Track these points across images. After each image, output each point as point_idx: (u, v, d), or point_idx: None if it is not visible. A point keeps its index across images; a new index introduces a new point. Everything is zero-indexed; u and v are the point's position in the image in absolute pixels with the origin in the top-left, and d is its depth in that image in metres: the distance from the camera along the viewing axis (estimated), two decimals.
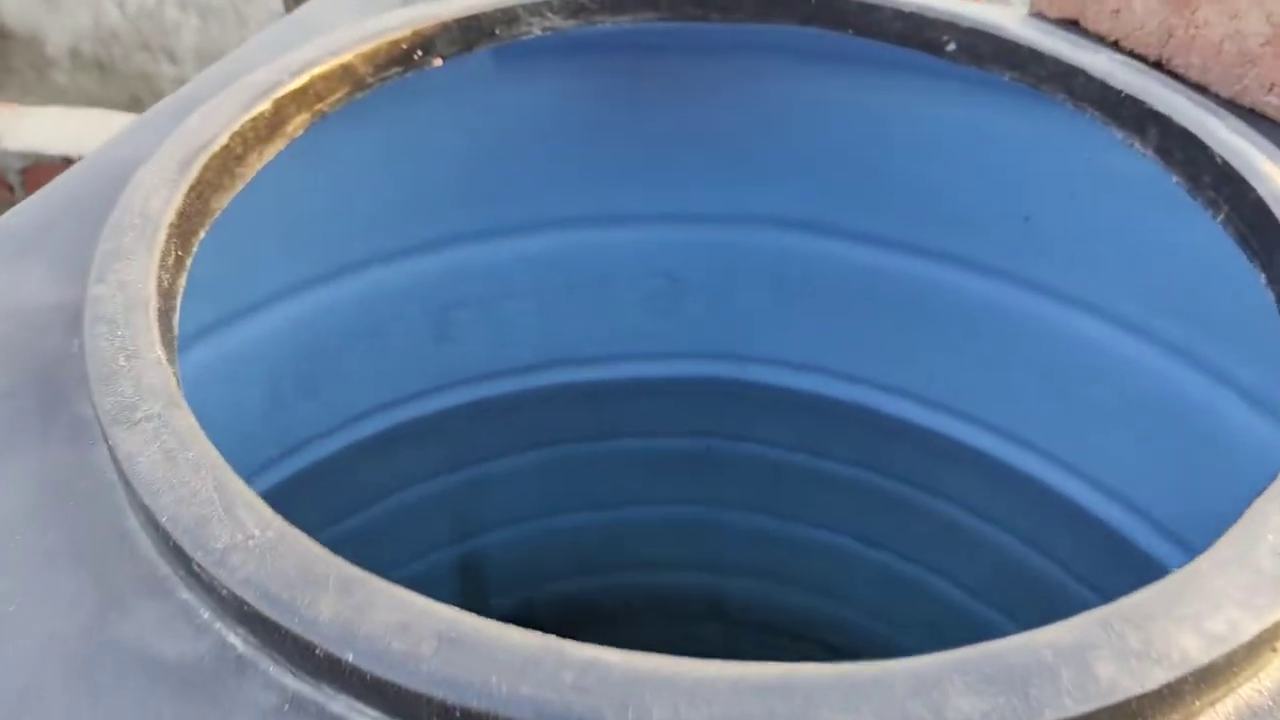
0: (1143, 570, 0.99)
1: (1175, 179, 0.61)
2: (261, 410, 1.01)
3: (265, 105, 0.58)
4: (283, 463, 1.06)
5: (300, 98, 0.59)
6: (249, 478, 1.02)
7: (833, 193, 1.03)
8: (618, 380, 1.19)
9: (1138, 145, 0.64)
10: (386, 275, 1.04)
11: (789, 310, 1.13)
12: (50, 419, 0.42)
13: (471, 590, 1.28)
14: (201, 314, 0.92)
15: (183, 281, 0.49)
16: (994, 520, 1.16)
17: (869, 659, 1.16)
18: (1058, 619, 1.13)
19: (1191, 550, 0.97)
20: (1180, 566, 0.95)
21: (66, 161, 2.06)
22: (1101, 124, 0.65)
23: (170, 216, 0.49)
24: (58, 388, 0.44)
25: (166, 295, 0.46)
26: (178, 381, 0.42)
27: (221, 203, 0.54)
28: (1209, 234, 0.69)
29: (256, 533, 0.34)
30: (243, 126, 0.56)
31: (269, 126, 0.58)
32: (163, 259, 0.47)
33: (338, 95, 0.62)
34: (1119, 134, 0.65)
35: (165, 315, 0.44)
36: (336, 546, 1.12)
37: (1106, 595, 1.06)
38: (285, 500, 1.05)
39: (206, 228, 0.53)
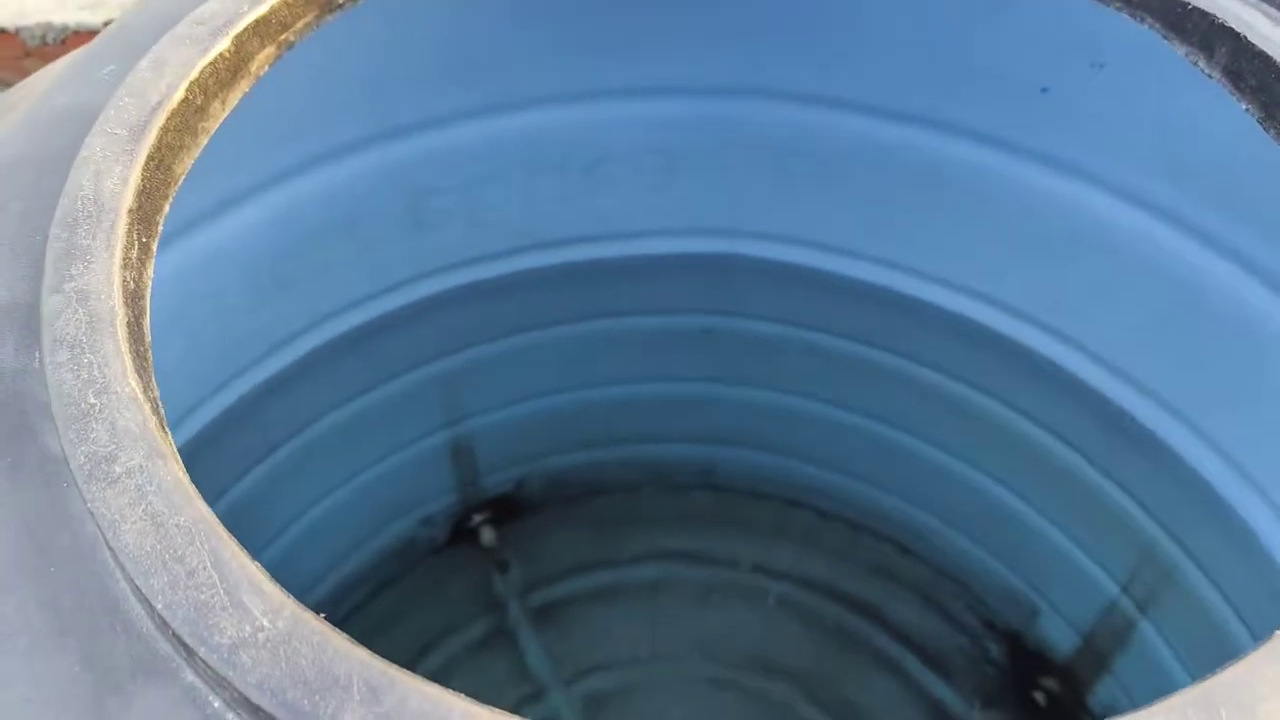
0: (1143, 444, 1.00)
1: (1245, 107, 0.56)
2: (243, 308, 0.98)
3: (225, 44, 0.50)
4: (269, 359, 1.03)
5: (264, 30, 0.52)
6: (237, 376, 1.00)
7: (833, 62, 0.96)
8: (608, 260, 1.15)
9: (1202, 65, 0.58)
10: (361, 163, 0.97)
11: (786, 184, 1.09)
12: (15, 456, 0.38)
13: (464, 471, 1.28)
14: (174, 213, 0.87)
15: (151, 272, 0.44)
16: (992, 392, 1.16)
17: (861, 525, 1.18)
18: (1052, 489, 1.15)
19: (1195, 428, 0.97)
20: (1185, 452, 0.95)
21: None
22: (1161, 36, 0.59)
23: (128, 200, 0.43)
24: (20, 415, 0.39)
25: (134, 299, 0.41)
26: (161, 418, 0.38)
27: (185, 165, 0.48)
28: (1244, 119, 0.64)
29: (266, 623, 0.31)
30: (201, 74, 0.49)
31: (231, 69, 0.51)
32: (125, 255, 0.41)
33: (306, 20, 0.54)
34: (1181, 50, 0.58)
35: (135, 328, 0.39)
36: (328, 438, 1.11)
37: (1102, 464, 1.07)
38: (275, 396, 1.02)
39: (171, 198, 0.47)
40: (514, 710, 1.18)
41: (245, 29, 0.51)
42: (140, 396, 0.36)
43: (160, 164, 0.45)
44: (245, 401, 1.01)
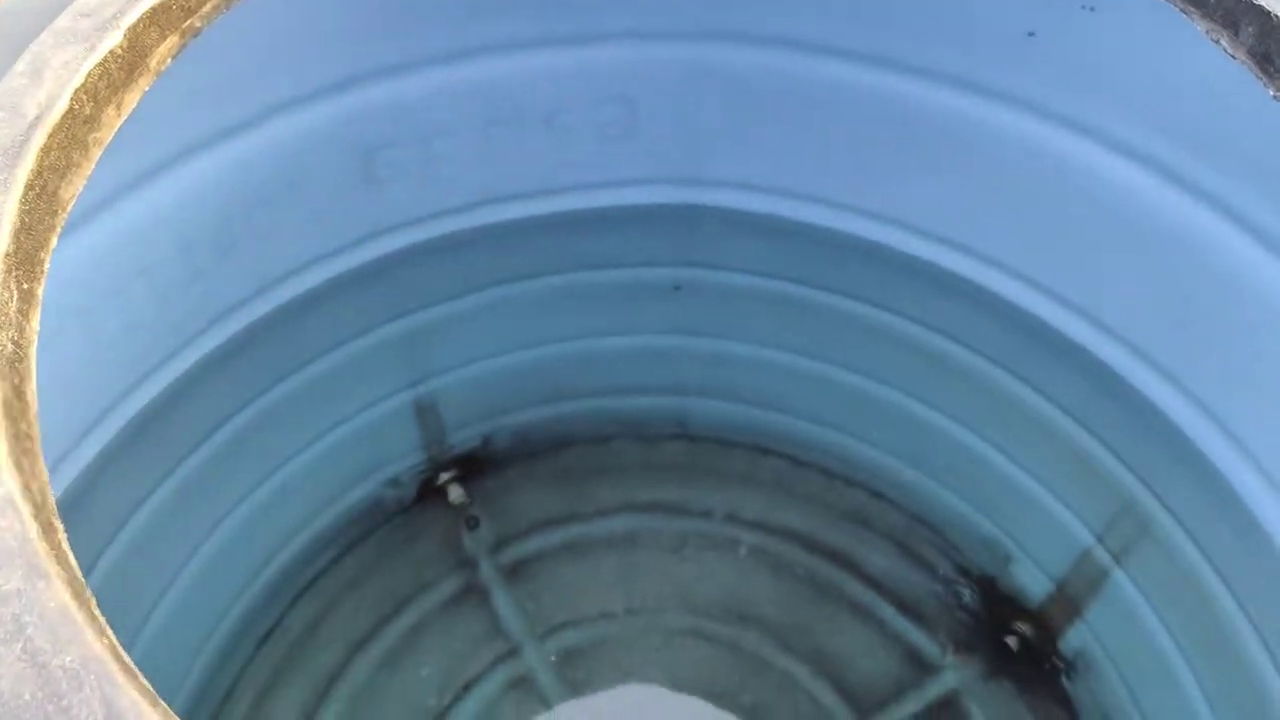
0: (1123, 397, 0.98)
1: (1273, 94, 0.51)
2: (179, 280, 0.92)
3: (116, 39, 0.44)
4: (213, 331, 0.98)
5: (163, 18, 0.45)
6: (177, 352, 0.95)
7: (802, 4, 0.90)
8: (570, 213, 1.09)
9: (1225, 44, 0.52)
10: (305, 119, 0.91)
11: (753, 132, 1.03)
12: None
13: (429, 430, 1.24)
14: (100, 181, 0.81)
15: (35, 324, 0.39)
16: (968, 343, 1.14)
17: (833, 473, 1.15)
18: (1028, 439, 1.13)
19: (1176, 383, 0.95)
20: (1166, 406, 0.93)
21: None
22: (1179, 11, 0.53)
23: (3, 243, 0.37)
24: None
25: (13, 366, 0.35)
26: (49, 510, 0.33)
27: (75, 188, 0.42)
28: (1239, 70, 0.60)
29: None
30: (89, 78, 0.42)
31: (125, 67, 0.44)
32: (2, 308, 0.36)
33: (214, 2, 0.47)
34: (1201, 26, 0.53)
35: (14, 403, 0.34)
36: (285, 404, 1.06)
37: (1080, 416, 1.05)
38: (225, 367, 0.98)
39: (59, 228, 0.41)
40: (489, 668, 1.16)
41: (140, 19, 0.44)
42: (18, 496, 0.32)
43: (43, 192, 0.39)
44: (192, 375, 0.96)
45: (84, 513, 0.87)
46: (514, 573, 1.28)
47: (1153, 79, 0.80)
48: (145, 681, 0.28)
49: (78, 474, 0.84)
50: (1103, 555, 1.10)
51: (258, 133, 0.89)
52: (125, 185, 0.82)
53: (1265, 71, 0.51)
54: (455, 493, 1.30)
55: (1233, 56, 0.52)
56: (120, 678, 0.28)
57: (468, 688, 1.18)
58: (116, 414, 0.90)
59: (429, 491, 1.30)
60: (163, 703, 0.27)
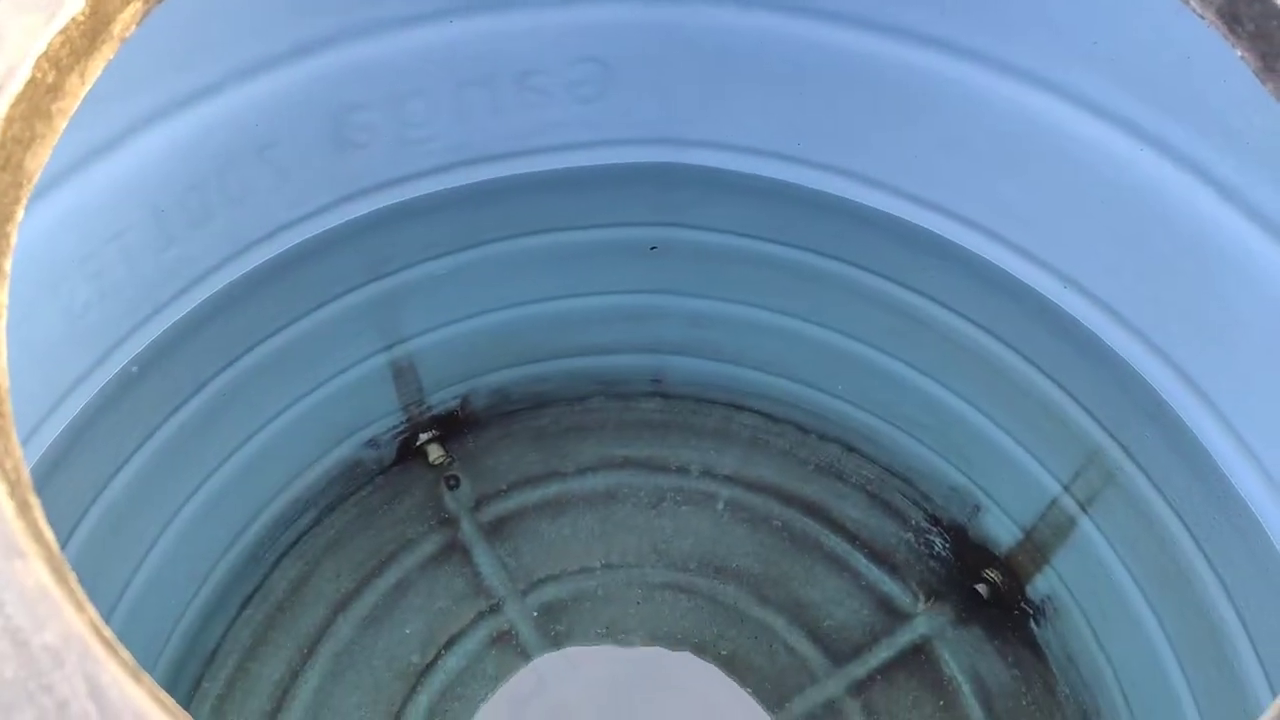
0: (1090, 350, 1.00)
1: (1240, 54, 0.51)
2: (151, 246, 0.92)
3: (78, 5, 0.43)
4: (187, 297, 0.98)
5: None
6: (151, 318, 0.95)
7: None
8: (546, 174, 1.09)
9: (1193, 4, 0.52)
10: (273, 82, 0.90)
11: (728, 91, 1.03)
12: None
13: (407, 391, 1.25)
14: (67, 147, 0.80)
15: (4, 297, 0.39)
16: (938, 299, 1.15)
17: (807, 428, 1.17)
18: (997, 392, 1.15)
19: (1143, 337, 0.97)
20: (1133, 359, 0.95)
21: None
22: None
23: None
24: None
25: None
26: (24, 487, 0.33)
27: (40, 160, 0.42)
28: (1209, 29, 0.60)
29: None
30: (51, 45, 0.42)
31: (88, 34, 0.44)
32: None
33: None
34: None
35: None
36: (260, 369, 1.07)
37: (1048, 369, 1.07)
38: (198, 333, 0.98)
39: (25, 201, 0.42)
40: (471, 624, 1.18)
41: None
42: None
43: (7, 164, 0.39)
44: (167, 341, 0.96)
45: (60, 481, 0.88)
46: (494, 530, 1.29)
47: (1121, 36, 0.81)
48: (127, 654, 0.28)
49: (52, 442, 0.85)
50: (1069, 504, 1.12)
51: (226, 96, 0.88)
52: (92, 151, 0.81)
53: (1233, 32, 0.51)
54: (435, 453, 1.31)
55: (1201, 16, 0.53)
56: (102, 653, 0.29)
57: (450, 644, 1.20)
58: (91, 381, 0.90)
59: (408, 452, 1.31)
60: (146, 676, 0.28)
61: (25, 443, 0.80)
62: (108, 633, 0.28)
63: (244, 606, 1.19)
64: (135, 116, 0.82)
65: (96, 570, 0.96)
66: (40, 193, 0.79)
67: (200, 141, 0.88)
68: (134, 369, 0.95)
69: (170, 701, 0.28)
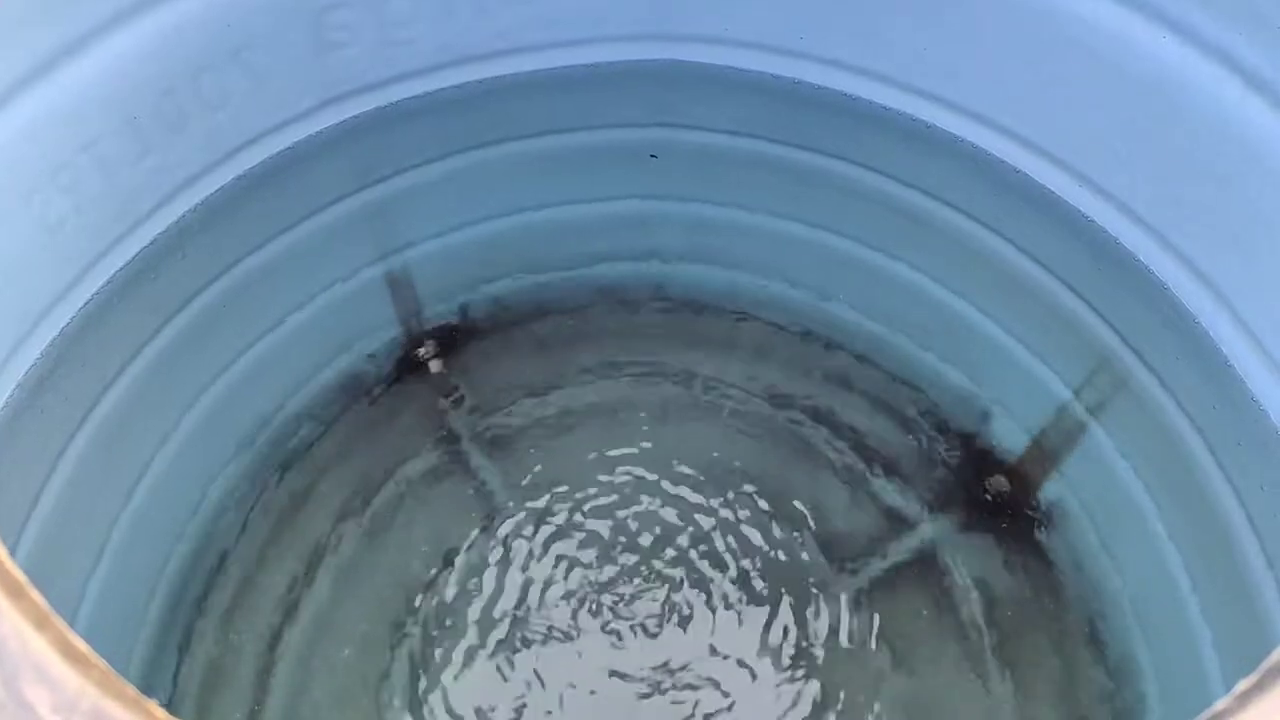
0: (1105, 251, 0.97)
1: None
2: (127, 156, 0.88)
3: None
4: (168, 208, 0.95)
5: None
6: (132, 231, 0.92)
7: None
8: (537, 73, 1.05)
9: None
10: None
11: None
12: None
13: (404, 303, 1.22)
14: (24, 53, 0.77)
15: None
16: (947, 199, 1.11)
17: (813, 335, 1.15)
18: (1007, 296, 1.13)
19: (1161, 238, 0.94)
20: (1149, 260, 0.92)
21: None
22: None
23: None
24: None
25: None
26: None
27: None
28: None
29: None
30: None
31: None
32: None
33: None
34: None
35: None
36: (248, 283, 1.04)
37: (1060, 272, 1.04)
38: (181, 246, 0.95)
39: None
40: (475, 537, 1.17)
41: None
42: None
43: None
44: (149, 255, 0.94)
45: (49, 398, 0.86)
46: (496, 442, 1.28)
47: None
48: (38, 597, 0.26)
49: (35, 360, 0.83)
50: (1079, 409, 1.10)
51: None
52: (56, 54, 0.78)
53: None
54: (435, 365, 1.29)
55: None
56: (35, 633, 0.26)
57: (453, 556, 1.21)
58: (73, 297, 0.88)
59: (408, 365, 1.29)
60: (57, 619, 0.26)
61: (6, 362, 0.79)
62: (16, 574, 0.26)
63: (246, 522, 1.19)
64: (99, 16, 0.78)
65: (93, 488, 0.95)
66: (5, 99, 0.76)
67: (170, 43, 0.84)
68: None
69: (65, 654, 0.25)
